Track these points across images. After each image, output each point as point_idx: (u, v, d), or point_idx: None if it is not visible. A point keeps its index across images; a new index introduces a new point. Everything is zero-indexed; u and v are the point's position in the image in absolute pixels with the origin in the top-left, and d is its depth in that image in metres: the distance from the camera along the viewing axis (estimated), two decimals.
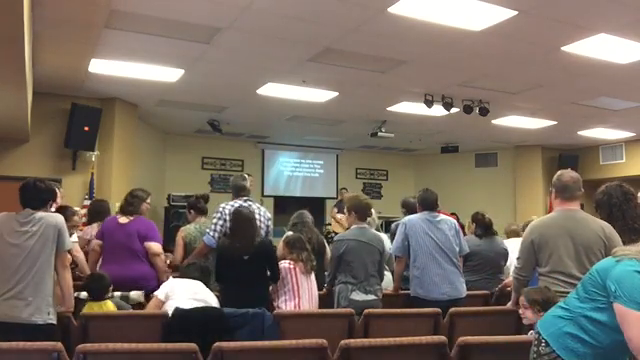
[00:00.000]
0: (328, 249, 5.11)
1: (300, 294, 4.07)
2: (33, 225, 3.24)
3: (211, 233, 4.49)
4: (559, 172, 3.53)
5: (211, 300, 3.79)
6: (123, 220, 4.53)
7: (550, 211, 3.60)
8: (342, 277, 4.23)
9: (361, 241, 4.25)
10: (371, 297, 4.15)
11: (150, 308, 3.76)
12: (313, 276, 4.24)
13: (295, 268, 4.12)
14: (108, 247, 4.43)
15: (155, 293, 3.81)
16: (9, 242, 3.20)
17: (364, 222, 4.41)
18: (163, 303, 3.69)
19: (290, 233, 4.78)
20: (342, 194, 11.42)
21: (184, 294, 3.68)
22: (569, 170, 3.58)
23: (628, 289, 2.11)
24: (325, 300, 4.40)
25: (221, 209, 4.61)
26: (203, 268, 4.03)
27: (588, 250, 3.23)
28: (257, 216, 4.49)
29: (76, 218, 4.78)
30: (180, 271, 4.12)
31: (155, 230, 4.56)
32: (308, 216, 5.08)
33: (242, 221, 4.11)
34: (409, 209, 5.36)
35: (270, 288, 4.15)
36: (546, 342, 2.36)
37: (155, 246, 4.43)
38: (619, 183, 3.48)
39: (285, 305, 4.03)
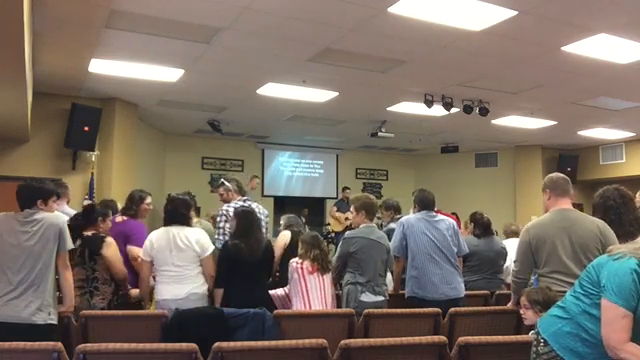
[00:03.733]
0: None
1: (309, 294, 4.01)
2: (34, 225, 3.23)
3: (221, 237, 4.49)
4: (548, 175, 3.61)
5: (195, 241, 3.85)
6: (118, 220, 4.58)
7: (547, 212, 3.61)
8: (350, 277, 4.19)
9: (372, 239, 4.24)
10: (380, 298, 4.13)
11: (142, 273, 3.87)
12: (328, 276, 4.15)
13: (302, 267, 4.05)
14: None
15: (140, 255, 3.89)
16: (10, 242, 3.19)
17: (372, 222, 4.41)
18: (152, 262, 3.83)
19: (287, 232, 4.78)
20: (345, 193, 11.47)
21: (165, 247, 3.78)
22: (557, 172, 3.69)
23: (617, 284, 2.10)
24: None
25: (224, 211, 4.62)
26: (185, 201, 4.04)
27: (585, 248, 3.25)
28: (259, 215, 4.52)
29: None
30: (167, 205, 4.05)
31: (139, 233, 4.43)
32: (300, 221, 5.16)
33: (251, 224, 4.10)
34: (396, 210, 5.52)
35: (285, 290, 4.18)
36: (545, 341, 2.35)
37: (133, 250, 4.28)
38: (617, 186, 3.49)
39: (296, 307, 4.01)
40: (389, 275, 4.79)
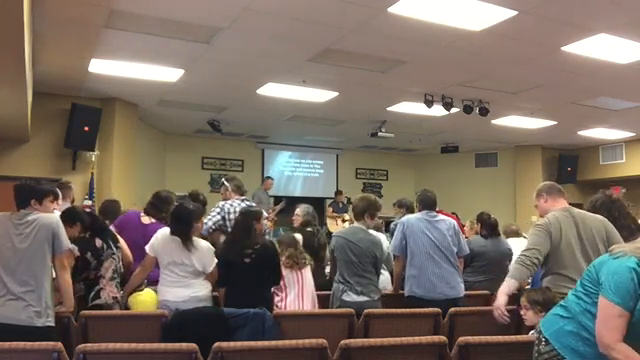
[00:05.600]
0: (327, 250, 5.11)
1: (286, 288, 4.12)
2: (26, 227, 3.20)
3: (205, 220, 4.54)
4: (537, 187, 3.70)
5: (196, 260, 3.78)
6: (146, 220, 4.50)
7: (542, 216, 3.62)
8: (336, 275, 4.24)
9: (349, 240, 4.19)
10: (363, 298, 4.06)
11: (145, 265, 3.86)
12: (306, 272, 4.24)
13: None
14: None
15: (146, 248, 3.86)
16: (4, 244, 3.17)
17: (361, 222, 4.36)
18: (155, 257, 3.83)
19: (299, 236, 4.72)
20: (339, 197, 11.53)
21: (169, 254, 3.77)
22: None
23: (615, 283, 2.09)
24: (327, 299, 4.40)
25: (221, 205, 4.70)
26: (189, 212, 3.95)
27: (593, 245, 3.28)
28: None
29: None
30: (174, 210, 4.01)
31: None
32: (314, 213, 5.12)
33: (243, 224, 4.05)
34: (408, 208, 5.51)
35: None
36: (546, 340, 2.35)
37: None
38: (601, 191, 3.66)
39: (274, 298, 4.08)
40: (386, 274, 4.80)
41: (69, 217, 3.85)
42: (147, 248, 3.86)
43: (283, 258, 4.17)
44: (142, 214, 4.60)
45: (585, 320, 2.24)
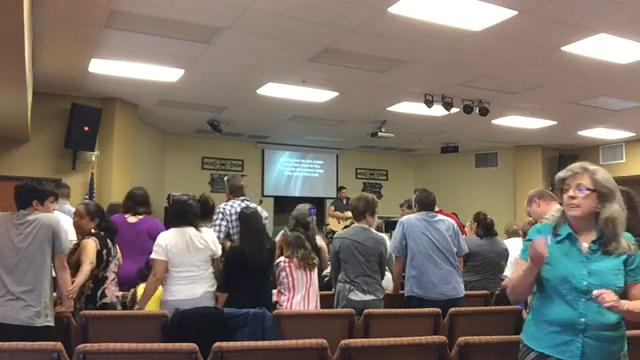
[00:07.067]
0: (325, 251, 5.11)
1: (295, 288, 4.11)
2: (27, 227, 3.22)
3: (216, 234, 4.51)
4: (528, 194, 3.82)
5: (211, 241, 3.89)
6: (132, 220, 4.66)
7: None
8: (341, 275, 4.24)
9: (354, 240, 4.22)
10: (369, 297, 4.12)
11: (159, 273, 3.75)
12: (314, 273, 4.25)
13: (290, 264, 4.15)
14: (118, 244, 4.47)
15: (154, 257, 3.77)
16: (4, 244, 3.19)
17: (362, 222, 4.38)
18: (167, 262, 3.76)
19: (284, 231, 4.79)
20: (341, 193, 11.54)
21: (184, 248, 3.77)
22: None
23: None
24: (327, 300, 4.40)
25: (222, 209, 4.69)
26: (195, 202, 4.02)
27: None
28: None
29: None
30: (172, 206, 4.11)
31: (162, 228, 4.52)
32: (307, 216, 5.06)
33: (254, 228, 4.09)
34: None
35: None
36: (521, 340, 2.42)
37: None
38: (625, 189, 3.50)
39: (280, 298, 4.11)
40: (388, 275, 4.80)
41: (95, 212, 4.01)
42: (156, 255, 3.76)
43: (295, 259, 4.15)
44: (126, 215, 4.71)
45: (535, 302, 2.37)
